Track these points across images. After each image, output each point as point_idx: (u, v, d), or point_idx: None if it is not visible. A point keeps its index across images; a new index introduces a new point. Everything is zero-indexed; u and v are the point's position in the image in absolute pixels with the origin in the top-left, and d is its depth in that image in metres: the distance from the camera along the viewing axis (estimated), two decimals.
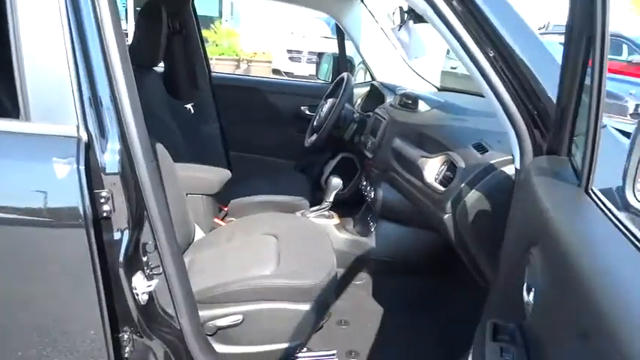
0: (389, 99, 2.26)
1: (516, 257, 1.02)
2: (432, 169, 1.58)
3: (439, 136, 1.64)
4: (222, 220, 2.14)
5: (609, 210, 0.78)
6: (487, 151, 1.43)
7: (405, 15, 2.57)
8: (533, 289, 0.79)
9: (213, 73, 2.84)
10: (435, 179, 1.55)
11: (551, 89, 1.19)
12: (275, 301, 1.44)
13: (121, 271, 1.14)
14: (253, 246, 1.64)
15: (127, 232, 1.16)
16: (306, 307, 1.46)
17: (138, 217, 1.19)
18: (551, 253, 0.78)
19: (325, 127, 2.23)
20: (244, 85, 2.96)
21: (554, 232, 0.80)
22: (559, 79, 1.04)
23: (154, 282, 1.22)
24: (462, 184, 1.39)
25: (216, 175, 2.01)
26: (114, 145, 1.09)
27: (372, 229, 2.10)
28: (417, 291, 2.02)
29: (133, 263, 1.17)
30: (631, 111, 5.75)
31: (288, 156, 2.90)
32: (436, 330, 1.81)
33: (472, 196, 1.38)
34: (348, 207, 2.35)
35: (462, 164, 1.44)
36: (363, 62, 2.75)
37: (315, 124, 2.39)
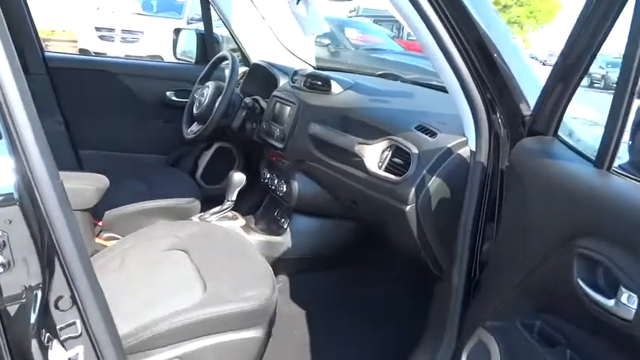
0: (283, 80, 2.05)
1: (537, 252, 0.95)
2: (373, 156, 1.44)
3: (373, 120, 1.51)
4: (104, 239, 1.71)
5: None
6: (435, 134, 1.35)
7: None
8: (628, 292, 0.71)
9: (47, 53, 2.26)
10: (379, 167, 1.42)
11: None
12: (217, 334, 1.17)
13: (33, 348, 0.79)
14: (163, 268, 1.31)
15: (33, 289, 0.81)
16: (255, 332, 1.22)
17: (47, 263, 0.83)
18: None
19: (214, 116, 1.92)
20: (91, 67, 2.41)
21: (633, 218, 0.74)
22: (557, 61, 1.00)
23: (77, 350, 0.87)
24: (424, 172, 1.29)
25: (93, 183, 1.58)
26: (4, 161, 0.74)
27: (286, 226, 1.90)
28: (339, 285, 1.90)
29: (46, 331, 0.81)
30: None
31: (157, 150, 2.48)
32: (364, 327, 1.72)
33: (434, 184, 1.29)
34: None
35: (414, 150, 1.33)
36: (235, 40, 2.47)
37: (195, 111, 2.06)
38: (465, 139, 1.31)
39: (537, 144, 1.07)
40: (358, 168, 1.48)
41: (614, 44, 1.00)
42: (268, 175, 1.98)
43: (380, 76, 2.07)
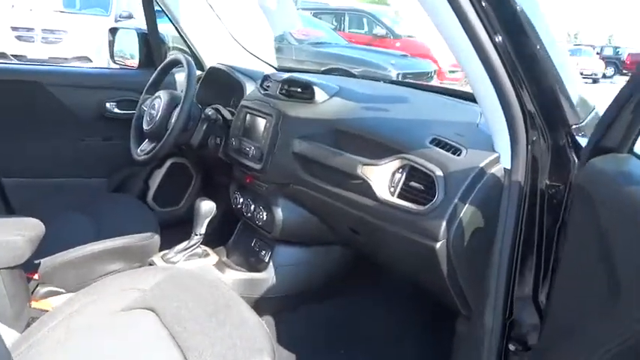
0: (250, 87, 1.75)
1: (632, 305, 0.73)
2: (382, 179, 1.19)
3: (375, 134, 1.26)
4: (42, 297, 1.35)
5: None
6: (459, 150, 1.12)
7: None
8: None
9: None
10: (392, 192, 1.17)
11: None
12: None
13: None
14: (123, 337, 1.01)
15: None
16: None
17: None
18: None
19: (172, 132, 1.60)
20: (11, 76, 1.99)
21: None
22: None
23: None
24: (455, 200, 1.05)
25: (24, 231, 1.23)
26: None
27: (267, 259, 1.61)
28: (334, 321, 1.64)
29: None
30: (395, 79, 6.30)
31: (97, 172, 2.10)
32: None
33: (466, 214, 1.06)
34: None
35: (438, 172, 1.09)
36: (185, 40, 2.13)
37: (146, 127, 1.72)
38: (496, 155, 1.08)
39: (614, 163, 0.86)
40: (363, 194, 1.23)
41: None
42: (242, 200, 1.68)
43: (350, 76, 1.81)
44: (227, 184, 1.98)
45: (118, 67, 2.32)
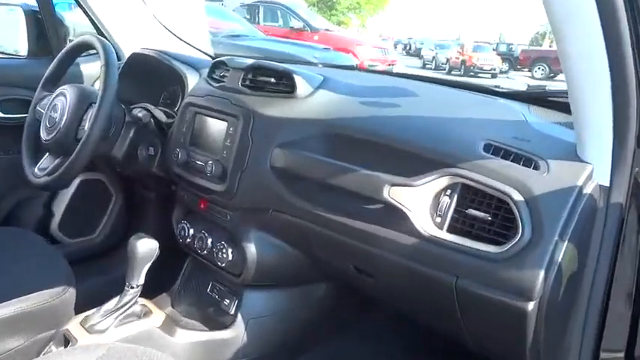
0: (193, 79, 1.31)
1: None
2: (421, 205, 0.83)
3: (398, 139, 0.89)
4: None
5: None
6: (534, 161, 0.79)
7: None
8: None
9: None
10: (439, 225, 0.82)
11: None
12: None
13: None
14: None
15: None
16: None
17: None
18: None
19: (87, 141, 1.12)
20: None
21: None
22: None
23: None
24: (555, 237, 0.71)
25: None
26: None
27: (232, 311, 1.19)
28: None
29: None
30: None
31: None
32: None
33: (567, 255, 0.73)
34: None
35: (515, 195, 0.75)
36: (94, 22, 1.63)
37: (46, 137, 1.23)
38: (590, 167, 0.77)
39: None
40: (389, 225, 0.86)
41: None
42: (192, 232, 1.23)
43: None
44: (162, 205, 1.51)
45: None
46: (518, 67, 19.32)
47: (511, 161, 0.80)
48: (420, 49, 23.10)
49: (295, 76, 1.07)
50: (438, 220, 0.82)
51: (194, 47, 1.76)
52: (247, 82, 1.13)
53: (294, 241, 1.09)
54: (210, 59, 1.67)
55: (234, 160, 1.05)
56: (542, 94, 1.12)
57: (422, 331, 1.16)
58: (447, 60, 18.20)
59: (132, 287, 1.11)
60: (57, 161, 1.22)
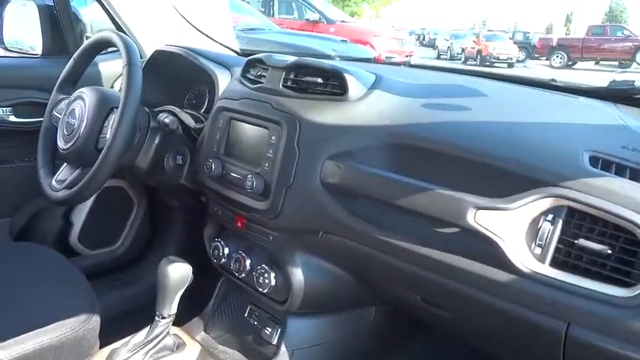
0: (224, 79, 1.17)
1: None
2: (515, 233, 0.69)
3: (483, 152, 0.75)
4: None
5: None
6: None
7: None
8: None
9: None
10: (539, 257, 0.67)
11: None
12: None
13: None
14: None
15: None
16: None
17: None
18: None
19: (111, 151, 0.99)
20: None
21: None
22: None
23: None
24: None
25: None
26: None
27: (275, 341, 1.05)
28: None
29: None
30: None
31: None
32: None
33: None
34: None
35: None
36: (113, 18, 1.50)
37: (64, 145, 1.10)
38: None
39: None
40: (474, 256, 0.71)
41: None
42: (227, 252, 1.09)
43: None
44: (187, 214, 1.39)
45: (10, 55, 1.63)
46: (536, 55, 18.89)
47: (629, 178, 0.65)
48: (435, 39, 22.76)
49: (346, 76, 0.93)
50: (538, 251, 0.67)
51: (219, 43, 1.63)
52: (289, 83, 0.99)
53: (348, 265, 0.96)
54: (236, 56, 1.54)
55: (279, 174, 0.91)
56: (631, 91, 0.96)
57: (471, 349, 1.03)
58: (463, 50, 17.90)
59: (163, 317, 0.98)
60: (76, 173, 1.10)
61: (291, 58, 1.02)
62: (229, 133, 1.04)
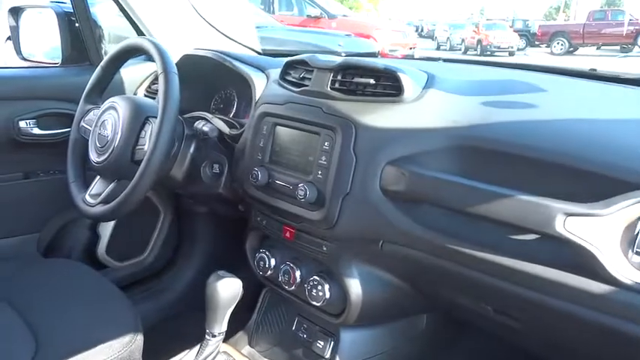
0: (260, 82, 1.12)
1: None
2: (609, 241, 0.64)
3: (560, 151, 0.70)
4: None
5: None
6: None
7: None
8: None
9: None
10: (638, 266, 0.63)
11: None
12: None
13: None
14: None
15: None
16: None
17: None
18: None
19: (150, 164, 0.94)
20: None
21: None
22: None
23: None
24: None
25: None
26: None
27: (328, 354, 1.01)
28: None
29: None
30: None
31: (17, 228, 1.38)
32: None
33: None
34: None
35: None
36: (134, 22, 1.44)
37: (96, 158, 1.06)
38: None
39: None
40: (564, 267, 0.67)
41: None
42: (274, 263, 1.05)
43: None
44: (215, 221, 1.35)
45: (29, 65, 1.58)
46: (536, 42, 18.76)
47: None
48: (433, 30, 22.60)
49: (401, 75, 0.88)
50: (636, 259, 0.63)
51: (241, 44, 1.59)
52: (337, 85, 0.94)
53: (407, 274, 0.91)
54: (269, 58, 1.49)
55: (334, 183, 0.86)
56: None
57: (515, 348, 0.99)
58: (462, 40, 17.80)
59: (213, 335, 0.93)
60: (111, 186, 1.05)
61: (337, 59, 0.96)
62: (274, 140, 0.99)
